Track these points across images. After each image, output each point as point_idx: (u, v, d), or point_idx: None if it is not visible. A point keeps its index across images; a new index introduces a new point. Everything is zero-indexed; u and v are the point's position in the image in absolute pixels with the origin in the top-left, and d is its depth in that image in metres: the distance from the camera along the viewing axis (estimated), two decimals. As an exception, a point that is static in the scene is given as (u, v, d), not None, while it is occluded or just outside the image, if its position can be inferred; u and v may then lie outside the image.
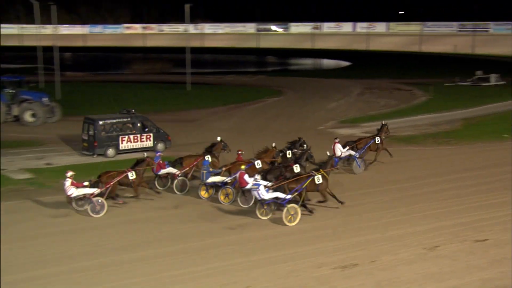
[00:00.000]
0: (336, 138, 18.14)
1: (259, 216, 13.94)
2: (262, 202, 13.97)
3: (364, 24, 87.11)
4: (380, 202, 14.76)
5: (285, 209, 13.60)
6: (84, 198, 14.45)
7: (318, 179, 14.24)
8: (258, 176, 14.34)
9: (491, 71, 42.51)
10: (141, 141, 20.59)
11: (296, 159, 15.98)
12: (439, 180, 16.95)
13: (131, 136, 20.40)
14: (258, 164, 16.12)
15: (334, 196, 14.41)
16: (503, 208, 14.22)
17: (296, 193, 14.05)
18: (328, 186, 14.23)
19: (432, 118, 28.12)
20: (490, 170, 17.69)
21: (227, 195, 15.12)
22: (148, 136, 20.70)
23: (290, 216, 13.58)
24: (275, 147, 16.87)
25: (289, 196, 13.84)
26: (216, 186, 15.39)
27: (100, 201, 14.47)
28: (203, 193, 15.59)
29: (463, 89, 39.11)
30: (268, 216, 13.89)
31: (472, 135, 23.73)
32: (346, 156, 17.53)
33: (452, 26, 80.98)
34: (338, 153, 17.69)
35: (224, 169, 15.97)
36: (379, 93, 37.05)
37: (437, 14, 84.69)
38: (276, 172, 15.19)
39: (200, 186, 15.62)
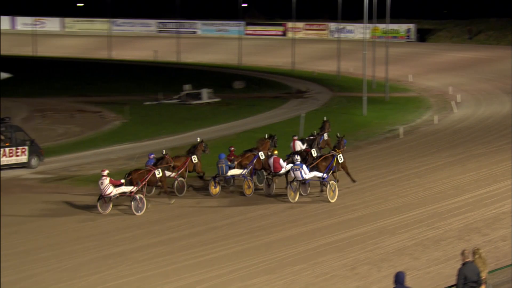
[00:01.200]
0: (294, 136, 24.81)
1: (290, 200, 20.92)
2: (302, 182, 21.12)
3: (28, 20, 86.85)
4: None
5: (328, 186, 20.93)
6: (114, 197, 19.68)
7: (341, 158, 21.80)
8: (298, 157, 21.45)
9: (202, 84, 47.78)
10: (16, 155, 24.81)
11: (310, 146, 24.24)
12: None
13: (6, 150, 24.62)
14: (262, 155, 22.63)
15: (349, 174, 22.21)
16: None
17: (330, 172, 21.45)
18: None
19: (130, 149, 29.98)
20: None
21: (248, 187, 21.79)
22: (23, 150, 24.89)
23: (332, 192, 20.80)
24: (269, 137, 23.62)
25: (326, 175, 21.25)
26: (224, 180, 22.02)
27: (142, 198, 19.83)
28: (212, 189, 21.75)
29: (169, 108, 42.73)
30: (296, 199, 20.90)
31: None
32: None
33: (150, 25, 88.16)
34: (298, 149, 23.76)
35: (236, 162, 22.17)
36: (56, 117, 38.34)
37: (128, 10, 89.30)
38: (303, 155, 22.55)
39: (209, 182, 21.87)
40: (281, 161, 21.96)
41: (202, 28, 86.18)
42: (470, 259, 11.12)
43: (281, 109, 42.63)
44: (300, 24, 79.39)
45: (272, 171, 21.99)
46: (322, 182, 21.30)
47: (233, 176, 22.15)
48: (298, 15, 67.33)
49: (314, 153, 23.22)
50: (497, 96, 44.60)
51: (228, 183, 22.30)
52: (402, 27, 74.95)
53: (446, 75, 54.79)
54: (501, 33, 70.00)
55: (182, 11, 78.63)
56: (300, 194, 21.20)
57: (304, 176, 21.02)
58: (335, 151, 21.99)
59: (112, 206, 19.94)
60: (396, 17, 69.70)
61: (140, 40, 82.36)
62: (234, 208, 20.51)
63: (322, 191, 21.48)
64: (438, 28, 76.39)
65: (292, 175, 21.21)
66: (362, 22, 50.07)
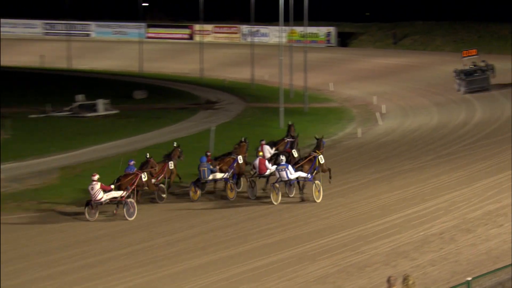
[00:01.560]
0: (262, 140, 27.31)
1: (273, 201, 23.36)
2: (287, 182, 23.77)
3: None
4: None
5: (314, 186, 23.49)
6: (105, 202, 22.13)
7: (321, 159, 24.47)
8: (283, 157, 24.35)
9: (97, 94, 47.38)
10: None
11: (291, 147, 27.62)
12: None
13: None
14: (240, 159, 25.15)
15: (329, 171, 24.76)
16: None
17: (314, 172, 24.17)
18: None
19: (12, 169, 29.59)
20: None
21: (231, 190, 24.29)
22: None
23: (317, 192, 23.38)
24: (245, 140, 26.34)
25: (310, 175, 23.86)
26: (201, 184, 24.63)
27: (133, 203, 22.14)
28: (193, 194, 24.23)
29: (59, 122, 42.20)
30: (279, 201, 23.42)
31: (71, 193, 25.85)
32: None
33: (36, 26, 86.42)
34: (267, 155, 26.37)
35: (217, 167, 24.61)
36: None
37: (9, 8, 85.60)
38: (285, 156, 25.09)
39: (190, 187, 24.41)
40: (266, 162, 24.80)
41: (96, 30, 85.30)
42: (396, 287, 11.26)
43: (188, 121, 42.66)
44: (208, 27, 79.64)
45: (258, 172, 24.62)
46: (308, 181, 23.82)
47: (215, 180, 24.79)
48: (206, 17, 67.48)
49: (295, 153, 26.72)
50: (424, 107, 46.14)
51: (203, 189, 24.79)
52: (321, 31, 76.39)
53: (370, 84, 56.30)
54: (428, 37, 72.55)
55: (72, 11, 77.41)
56: (283, 196, 23.71)
57: (290, 176, 23.64)
58: (316, 152, 24.65)
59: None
60: (315, 20, 71.09)
61: (24, 44, 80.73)
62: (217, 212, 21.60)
63: (302, 193, 23.85)
64: (361, 32, 78.29)
65: (277, 175, 23.82)
66: (277, 25, 50.84)
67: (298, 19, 55.01)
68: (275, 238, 19.92)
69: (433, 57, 62.93)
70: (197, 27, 78.37)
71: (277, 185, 23.56)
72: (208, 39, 77.63)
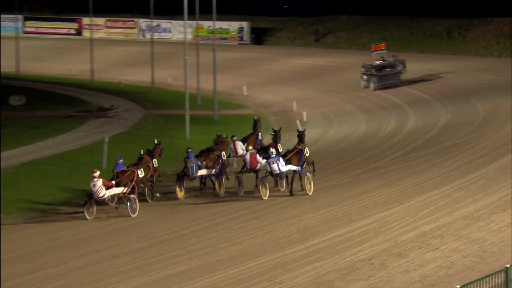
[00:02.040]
0: (233, 136, 31.27)
1: (262, 196, 26.68)
2: (278, 175, 27.20)
3: None
4: None
5: (305, 178, 27.18)
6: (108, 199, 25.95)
7: (307, 151, 28.27)
8: (274, 150, 27.69)
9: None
10: None
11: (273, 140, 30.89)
12: None
13: None
14: (224, 156, 28.66)
15: (313, 166, 28.92)
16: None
17: (304, 165, 27.86)
18: None
19: None
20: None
21: (220, 186, 27.78)
22: None
23: (309, 185, 27.05)
24: (226, 137, 29.99)
25: (300, 168, 27.49)
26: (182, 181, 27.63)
27: (135, 199, 25.82)
28: (179, 193, 27.47)
29: None
30: (267, 196, 26.80)
31: None
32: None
33: None
34: (239, 151, 30.62)
35: (205, 163, 27.87)
36: None
37: None
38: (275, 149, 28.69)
39: (176, 186, 27.49)
40: (257, 156, 27.99)
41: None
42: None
43: (76, 132, 42.25)
44: (100, 20, 78.93)
45: (248, 167, 27.85)
46: (300, 173, 27.41)
47: (201, 177, 27.98)
48: (96, 8, 66.81)
49: (280, 148, 30.05)
50: (350, 113, 47.00)
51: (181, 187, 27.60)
52: (232, 26, 76.83)
53: (289, 87, 56.92)
54: (353, 34, 73.81)
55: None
56: (270, 190, 27.07)
57: (282, 169, 26.98)
58: (300, 145, 28.44)
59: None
60: (225, 13, 71.54)
61: None
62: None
63: (291, 187, 27.12)
64: (277, 28, 79.00)
65: (268, 168, 27.16)
66: (182, 19, 50.87)
67: (205, 13, 55.18)
68: (179, 267, 19.85)
69: (360, 56, 64.03)
70: (86, 20, 77.65)
71: (264, 179, 26.93)
72: (99, 35, 76.99)
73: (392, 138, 38.15)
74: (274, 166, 26.94)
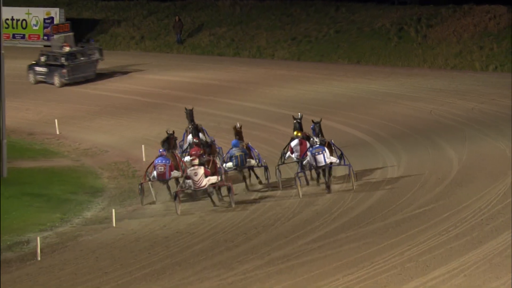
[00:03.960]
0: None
1: (300, 194, 38.58)
2: (321, 168, 38.75)
3: None
4: None
5: (351, 169, 39.61)
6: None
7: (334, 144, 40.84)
8: (317, 139, 39.33)
9: None
10: None
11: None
12: None
13: None
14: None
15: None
16: None
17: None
18: None
19: None
20: None
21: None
22: None
23: (354, 177, 39.66)
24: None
25: (339, 160, 40.10)
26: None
27: (232, 187, 39.14)
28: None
29: None
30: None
31: None
32: None
33: None
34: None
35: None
36: None
37: None
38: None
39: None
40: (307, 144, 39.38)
41: None
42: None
43: None
44: None
45: (298, 156, 39.68)
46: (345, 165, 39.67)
47: (250, 167, 41.44)
48: None
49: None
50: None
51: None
52: (34, 15, 77.72)
53: (134, 120, 57.33)
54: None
55: None
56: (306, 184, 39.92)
57: (327, 160, 37.78)
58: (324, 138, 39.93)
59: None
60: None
61: None
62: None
63: (330, 181, 38.82)
64: (113, 19, 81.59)
65: (312, 160, 38.09)
66: None
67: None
68: None
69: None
70: None
71: (308, 171, 39.53)
72: None
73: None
74: (320, 158, 37.95)
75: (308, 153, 38.34)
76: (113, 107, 60.13)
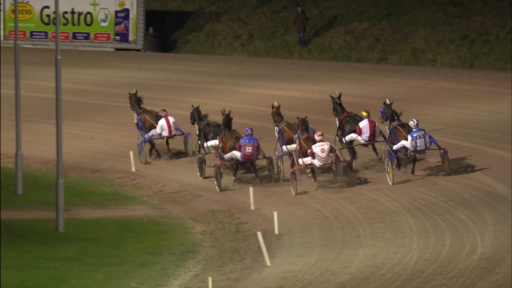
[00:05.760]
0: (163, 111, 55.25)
1: (389, 182, 49.44)
2: (419, 153, 50.31)
3: None
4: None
5: (445, 154, 53.19)
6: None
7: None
8: (415, 121, 50.55)
9: None
10: None
11: None
12: None
13: None
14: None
15: None
16: None
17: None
18: None
19: None
20: None
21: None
22: None
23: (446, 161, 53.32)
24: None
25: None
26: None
27: None
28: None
29: None
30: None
31: None
32: None
33: None
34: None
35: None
36: None
37: None
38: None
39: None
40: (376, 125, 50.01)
41: None
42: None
43: None
44: None
45: (369, 138, 49.69)
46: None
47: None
48: None
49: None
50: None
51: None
52: (102, 7, 78.22)
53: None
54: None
55: None
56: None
57: (428, 145, 47.38)
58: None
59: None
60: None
61: None
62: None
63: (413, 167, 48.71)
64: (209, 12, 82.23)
65: (409, 145, 47.09)
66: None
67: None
68: None
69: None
70: None
71: (402, 157, 48.54)
72: None
73: None
74: (421, 142, 47.10)
75: (409, 137, 47.16)
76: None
